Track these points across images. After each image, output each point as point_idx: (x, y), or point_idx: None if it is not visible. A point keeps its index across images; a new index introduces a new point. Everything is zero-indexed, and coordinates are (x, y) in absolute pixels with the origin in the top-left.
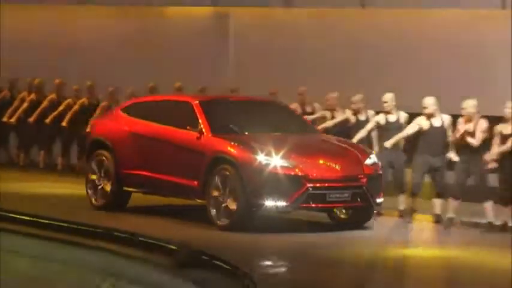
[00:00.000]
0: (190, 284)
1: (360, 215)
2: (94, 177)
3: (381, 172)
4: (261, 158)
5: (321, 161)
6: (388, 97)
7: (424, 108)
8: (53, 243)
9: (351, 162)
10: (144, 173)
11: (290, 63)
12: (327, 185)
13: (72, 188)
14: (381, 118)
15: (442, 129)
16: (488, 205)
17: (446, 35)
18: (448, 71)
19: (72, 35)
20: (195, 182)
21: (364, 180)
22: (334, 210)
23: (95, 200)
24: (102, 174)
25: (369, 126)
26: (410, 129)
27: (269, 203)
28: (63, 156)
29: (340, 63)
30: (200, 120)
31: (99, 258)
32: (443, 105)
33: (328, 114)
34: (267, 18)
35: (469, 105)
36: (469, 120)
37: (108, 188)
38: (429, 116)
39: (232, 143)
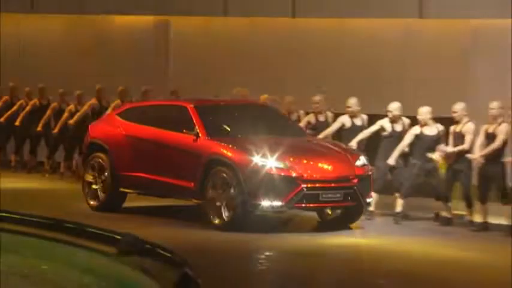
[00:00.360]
0: (133, 271)
1: (349, 215)
2: (90, 178)
3: (370, 173)
4: (257, 159)
5: (315, 163)
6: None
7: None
8: (5, 233)
9: (343, 163)
10: (141, 174)
11: (227, 68)
12: (320, 185)
13: (22, 182)
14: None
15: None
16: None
17: (367, 43)
18: (368, 74)
19: (24, 41)
20: (191, 183)
21: (355, 180)
22: (327, 209)
23: (92, 200)
24: (98, 176)
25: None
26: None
27: (265, 203)
28: (16, 153)
29: (272, 68)
30: (196, 124)
31: (49, 248)
32: (367, 107)
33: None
34: (205, 27)
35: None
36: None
37: (104, 189)
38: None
39: (228, 146)
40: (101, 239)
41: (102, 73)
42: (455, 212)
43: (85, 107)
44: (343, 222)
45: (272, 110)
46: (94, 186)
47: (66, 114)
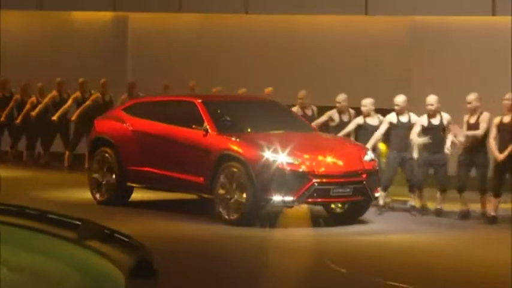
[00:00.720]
0: (93, 255)
1: (356, 209)
2: (97, 173)
3: (377, 168)
4: (268, 155)
5: (325, 158)
6: (433, 99)
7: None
8: None
9: (352, 158)
10: (149, 169)
11: (183, 63)
12: (331, 180)
13: None
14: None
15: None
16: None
17: (317, 38)
18: (318, 67)
19: None
20: (201, 178)
21: (365, 175)
22: (333, 204)
23: (98, 195)
24: (105, 171)
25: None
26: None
27: (277, 198)
28: None
29: (226, 63)
30: (205, 119)
31: (11, 233)
32: (321, 98)
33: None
34: (162, 22)
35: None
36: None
37: (111, 183)
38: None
39: (239, 141)
40: (61, 225)
41: (62, 67)
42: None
43: (46, 99)
44: (350, 217)
45: (279, 105)
46: (100, 181)
47: (28, 106)
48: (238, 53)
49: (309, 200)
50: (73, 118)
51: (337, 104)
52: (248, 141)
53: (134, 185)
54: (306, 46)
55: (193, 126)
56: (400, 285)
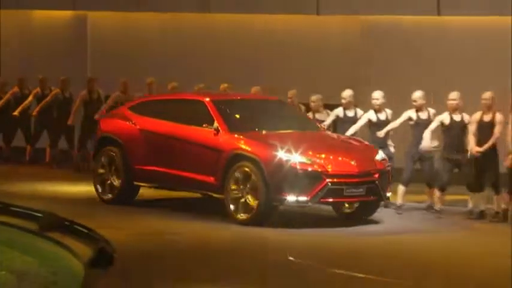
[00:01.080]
0: (54, 246)
1: (366, 209)
2: (102, 172)
3: (389, 168)
4: (281, 154)
5: (338, 157)
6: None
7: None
8: None
9: (365, 158)
10: (157, 168)
11: (142, 60)
12: (344, 180)
13: None
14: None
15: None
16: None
17: (272, 37)
18: (272, 66)
19: None
20: (211, 178)
21: (377, 175)
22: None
23: (104, 194)
24: (111, 170)
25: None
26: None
27: (291, 198)
28: None
29: (187, 62)
30: (215, 118)
31: None
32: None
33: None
34: (121, 21)
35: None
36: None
37: (117, 182)
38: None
39: (251, 141)
40: (23, 216)
41: (23, 64)
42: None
43: (7, 95)
44: (360, 216)
45: (286, 104)
46: (106, 180)
47: None
48: (196, 51)
49: (323, 200)
50: (34, 113)
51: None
52: (260, 140)
53: (141, 184)
54: (261, 45)
55: (204, 125)
56: (357, 274)
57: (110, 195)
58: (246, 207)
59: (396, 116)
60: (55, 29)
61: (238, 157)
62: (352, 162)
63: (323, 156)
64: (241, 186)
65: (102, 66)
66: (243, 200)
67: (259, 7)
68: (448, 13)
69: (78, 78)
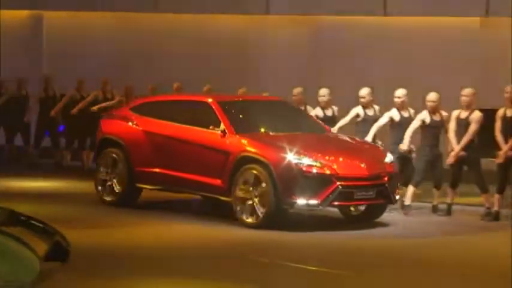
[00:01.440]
0: (9, 240)
1: (373, 211)
2: (104, 174)
3: (397, 171)
4: (290, 157)
5: (348, 160)
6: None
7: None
8: None
9: (374, 160)
10: (160, 170)
11: (97, 60)
12: (355, 183)
13: None
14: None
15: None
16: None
17: (227, 36)
18: (221, 65)
19: None
20: (218, 180)
21: (386, 178)
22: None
23: (106, 196)
24: (113, 172)
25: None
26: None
27: (301, 201)
28: None
29: (138, 60)
30: (221, 120)
31: None
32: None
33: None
34: (77, 20)
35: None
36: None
37: (119, 184)
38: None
39: (259, 143)
40: None
41: None
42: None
43: None
44: (366, 219)
45: (290, 106)
46: (108, 182)
47: None
48: (151, 50)
49: (333, 203)
50: None
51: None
52: (268, 142)
53: (144, 186)
54: (210, 45)
55: (211, 127)
56: (307, 267)
57: (111, 197)
58: (254, 211)
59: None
60: (11, 28)
61: (246, 159)
62: (362, 165)
63: (333, 158)
64: (250, 189)
65: (57, 66)
66: (250, 203)
67: (210, 7)
68: (394, 13)
69: (34, 77)
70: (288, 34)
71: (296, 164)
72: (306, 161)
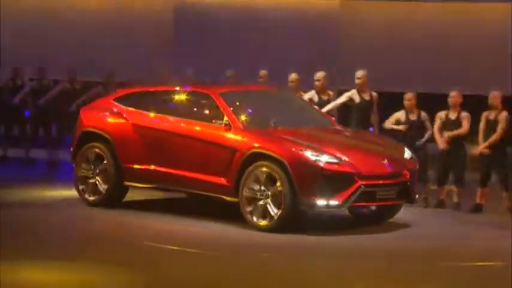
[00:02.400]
0: None
1: (385, 211)
2: (85, 171)
3: (418, 167)
4: (309, 154)
5: (368, 157)
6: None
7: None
8: None
9: (395, 157)
10: (154, 167)
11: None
12: (377, 181)
13: None
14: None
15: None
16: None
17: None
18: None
19: None
20: (223, 179)
21: (408, 175)
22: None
23: (89, 195)
24: (96, 169)
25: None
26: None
27: (321, 202)
28: None
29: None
30: (225, 113)
31: None
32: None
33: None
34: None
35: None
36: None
37: (104, 182)
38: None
39: (272, 138)
40: None
41: None
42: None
43: None
44: (374, 219)
45: (295, 96)
46: (91, 180)
47: None
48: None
49: (354, 204)
50: None
51: (357, 80)
52: (281, 138)
53: (134, 184)
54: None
55: (214, 120)
56: (166, 246)
57: (95, 197)
58: (267, 212)
59: None
60: None
61: (256, 156)
62: (384, 162)
63: (353, 155)
64: (261, 189)
65: None
66: (262, 203)
67: None
68: None
69: None
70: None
71: (315, 161)
72: (325, 158)
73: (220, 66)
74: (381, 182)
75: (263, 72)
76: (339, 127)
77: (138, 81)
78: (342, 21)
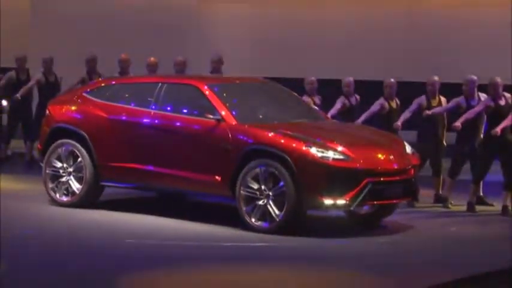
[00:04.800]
0: None
1: (383, 210)
2: (56, 171)
3: (419, 162)
4: (314, 150)
5: (374, 153)
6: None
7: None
8: None
9: (399, 152)
10: (136, 165)
11: None
12: (385, 179)
13: None
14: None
15: None
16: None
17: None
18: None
19: None
20: (216, 177)
21: (412, 171)
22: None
23: (60, 196)
24: (69, 167)
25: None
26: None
27: (328, 201)
28: None
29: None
30: (216, 107)
31: None
32: None
33: None
34: None
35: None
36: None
37: (77, 182)
38: None
39: (271, 133)
40: None
41: None
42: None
43: None
44: (375, 219)
45: (281, 88)
46: (63, 179)
47: None
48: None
49: (363, 202)
50: None
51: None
52: (282, 133)
53: (110, 184)
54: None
55: (206, 114)
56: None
57: (67, 198)
58: (268, 213)
59: None
60: None
61: (256, 153)
62: (390, 158)
63: (359, 150)
64: (263, 188)
65: None
66: (261, 203)
67: None
68: None
69: None
70: None
71: (321, 157)
72: (331, 154)
73: None
74: (388, 178)
75: (179, 59)
76: (332, 120)
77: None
78: None
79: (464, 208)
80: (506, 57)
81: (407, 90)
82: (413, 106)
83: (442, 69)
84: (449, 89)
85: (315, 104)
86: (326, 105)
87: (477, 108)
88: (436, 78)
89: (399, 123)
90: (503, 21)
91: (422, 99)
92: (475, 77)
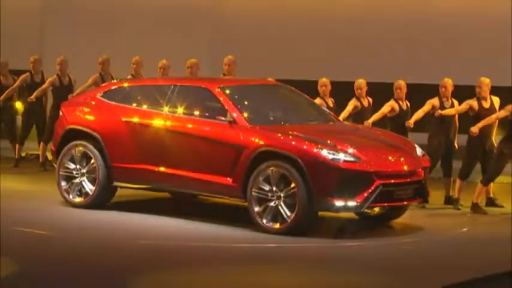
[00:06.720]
0: None
1: (394, 212)
2: (70, 172)
3: (429, 164)
4: (325, 152)
5: (384, 155)
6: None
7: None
8: None
9: (410, 154)
10: (149, 167)
11: None
12: (396, 180)
13: None
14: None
15: None
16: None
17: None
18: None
19: None
20: (229, 179)
21: (422, 173)
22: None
23: (73, 197)
24: (82, 168)
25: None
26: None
27: (339, 203)
28: None
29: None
30: (228, 109)
31: None
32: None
33: None
34: None
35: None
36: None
37: (90, 183)
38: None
39: (282, 135)
40: None
41: None
42: None
43: None
44: (385, 220)
45: (290, 89)
46: (76, 180)
47: None
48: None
49: (373, 204)
50: None
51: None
52: (293, 135)
53: (124, 185)
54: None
55: (217, 117)
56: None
57: (80, 199)
58: (279, 214)
59: None
60: None
61: (267, 155)
62: (401, 160)
63: (369, 152)
64: (273, 189)
65: None
66: (273, 205)
67: None
68: None
69: None
70: None
71: (332, 159)
72: (342, 156)
73: None
74: (399, 180)
75: (191, 61)
76: (343, 122)
77: None
78: None
79: None
80: None
81: (418, 92)
82: (426, 106)
83: (454, 72)
84: (462, 92)
85: (328, 106)
86: (339, 108)
87: (499, 114)
88: (448, 80)
89: (411, 121)
90: None
91: (435, 100)
92: (487, 79)
